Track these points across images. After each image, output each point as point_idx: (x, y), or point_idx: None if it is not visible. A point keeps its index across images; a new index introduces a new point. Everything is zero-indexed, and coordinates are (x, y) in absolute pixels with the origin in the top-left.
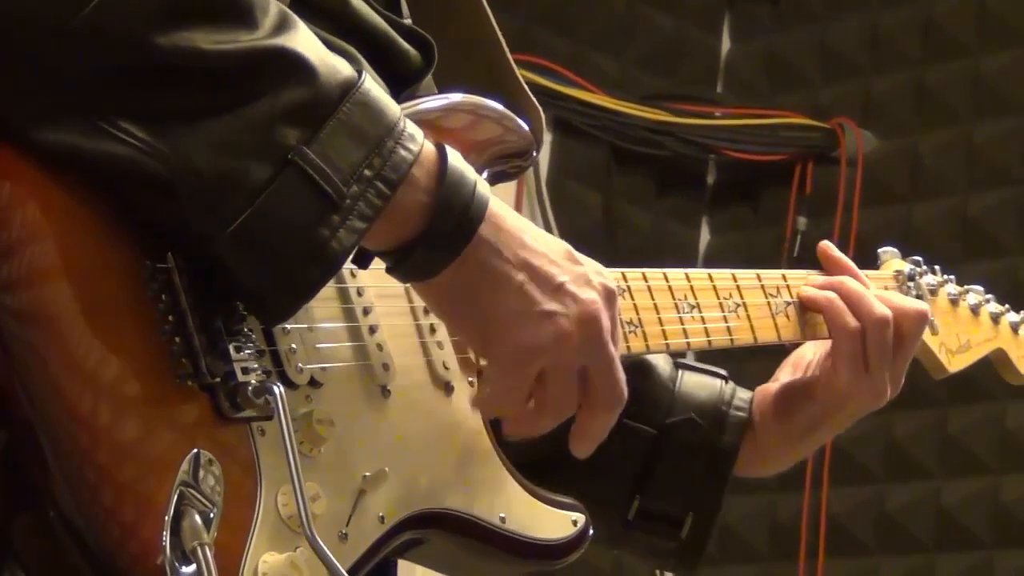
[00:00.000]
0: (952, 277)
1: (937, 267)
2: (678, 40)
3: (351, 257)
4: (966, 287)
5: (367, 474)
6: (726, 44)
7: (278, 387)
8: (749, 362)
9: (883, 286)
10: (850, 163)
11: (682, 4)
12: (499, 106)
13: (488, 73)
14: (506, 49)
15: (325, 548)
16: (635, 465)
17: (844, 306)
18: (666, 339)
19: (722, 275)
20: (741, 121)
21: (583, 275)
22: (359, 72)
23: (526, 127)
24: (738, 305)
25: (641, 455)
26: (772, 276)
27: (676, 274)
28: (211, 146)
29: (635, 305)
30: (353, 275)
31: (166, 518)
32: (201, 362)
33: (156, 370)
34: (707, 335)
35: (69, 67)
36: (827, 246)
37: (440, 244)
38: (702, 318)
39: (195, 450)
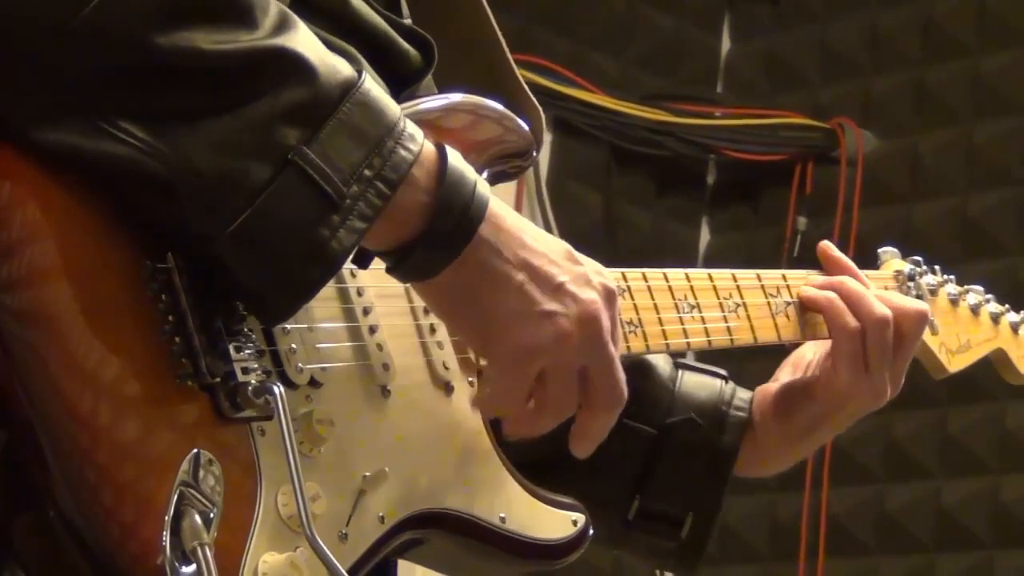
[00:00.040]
0: (952, 277)
1: (937, 267)
2: (678, 40)
3: (351, 257)
4: (966, 287)
5: (367, 474)
6: (726, 44)
7: (278, 387)
8: (749, 362)
9: (883, 286)
10: (850, 163)
11: (682, 4)
12: (499, 106)
13: (488, 73)
14: (506, 49)
15: (325, 548)
16: (635, 465)
17: (844, 306)
18: (666, 339)
19: (722, 275)
20: (741, 121)
21: (583, 275)
22: (359, 72)
23: (526, 127)
24: (738, 305)
25: (641, 455)
26: (772, 276)
27: (676, 274)
28: (211, 146)
29: (635, 305)
30: (353, 275)
31: (166, 518)
32: (201, 362)
33: (156, 370)
34: (707, 335)
35: (69, 67)
36: (827, 246)
37: (440, 244)
38: (702, 318)
39: (195, 450)
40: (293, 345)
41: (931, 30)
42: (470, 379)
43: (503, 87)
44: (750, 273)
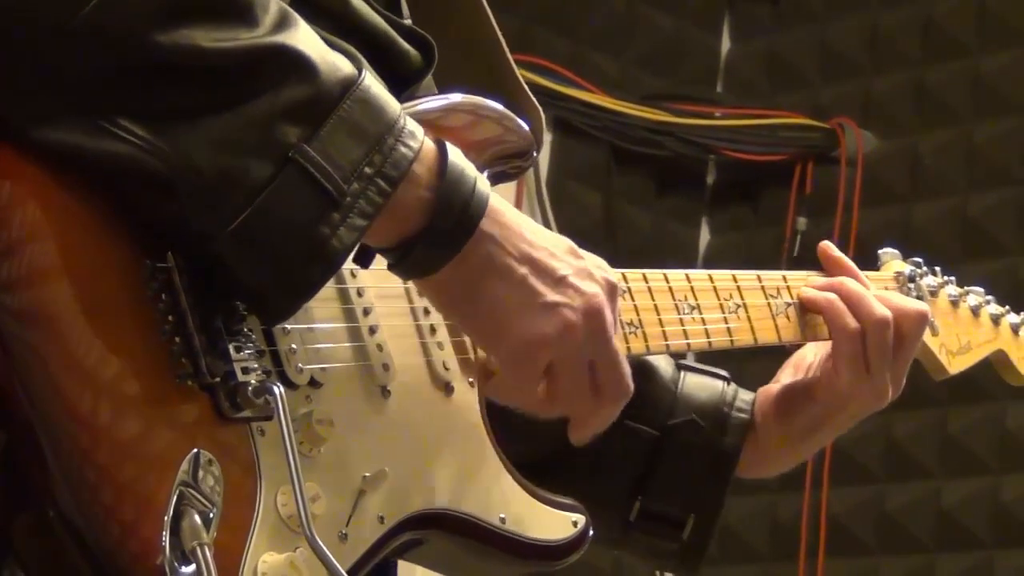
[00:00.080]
0: (952, 279)
1: (938, 268)
2: (678, 40)
3: (352, 255)
4: (966, 288)
5: (367, 474)
6: (726, 44)
7: (278, 387)
8: (750, 363)
9: (883, 287)
10: (850, 163)
11: (682, 4)
12: (499, 106)
13: (488, 73)
14: (506, 49)
15: (324, 548)
16: (636, 466)
17: (844, 307)
18: (666, 340)
19: (723, 276)
20: (741, 121)
21: (585, 269)
22: (359, 69)
23: (526, 127)
24: (739, 306)
25: (642, 456)
26: (773, 277)
27: (677, 275)
28: (211, 144)
29: (635, 306)
30: (353, 275)
31: (165, 518)
32: (201, 362)
33: (156, 370)
34: (707, 336)
35: (69, 66)
36: (827, 246)
37: (441, 240)
38: (702, 319)
39: (195, 450)
40: (293, 345)
41: (931, 30)
42: (470, 380)
43: (503, 87)
44: (751, 274)
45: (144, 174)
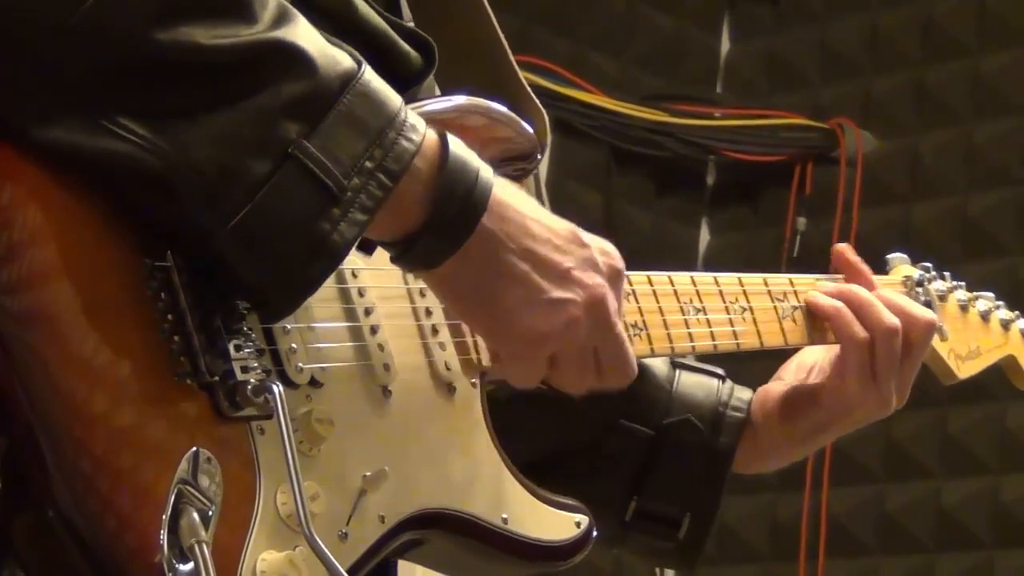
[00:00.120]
0: (963, 284)
1: (947, 273)
2: (678, 40)
3: (356, 245)
4: (976, 293)
5: (367, 474)
6: (726, 44)
7: (277, 386)
8: (750, 362)
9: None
10: (850, 163)
11: (682, 4)
12: (503, 108)
13: (491, 75)
14: (509, 52)
15: (323, 547)
16: (632, 466)
17: (852, 316)
18: (671, 343)
19: (728, 279)
20: (741, 122)
21: (589, 259)
22: (359, 63)
23: (530, 129)
24: (744, 309)
25: (638, 456)
26: (779, 280)
27: (682, 278)
28: (211, 141)
29: (639, 308)
30: (355, 276)
31: (164, 516)
32: (200, 361)
33: (155, 368)
34: (712, 339)
35: (69, 65)
36: (844, 248)
37: (443, 233)
38: (708, 321)
39: (194, 448)
40: (293, 344)
41: (931, 30)
42: (472, 380)
43: (506, 89)
44: (757, 277)
45: (143, 173)
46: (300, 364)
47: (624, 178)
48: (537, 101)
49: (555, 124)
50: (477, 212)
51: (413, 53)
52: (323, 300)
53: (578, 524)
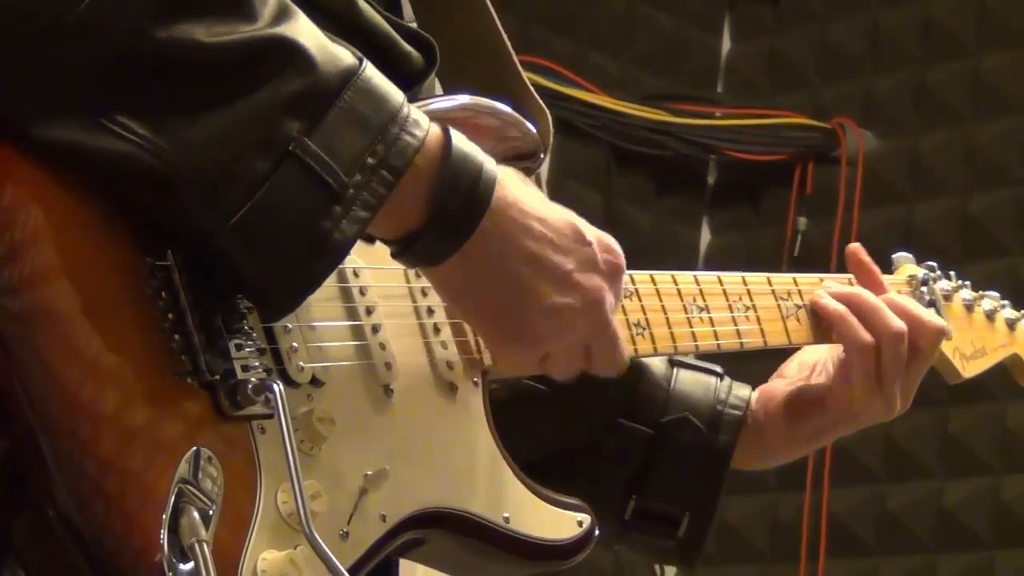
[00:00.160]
0: (967, 283)
1: (952, 273)
2: (678, 40)
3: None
4: (981, 292)
5: (368, 473)
6: (726, 44)
7: (278, 385)
8: (750, 362)
9: (896, 291)
10: (850, 163)
11: (682, 4)
12: (507, 108)
13: (494, 75)
14: (512, 52)
15: (324, 546)
16: (631, 465)
17: (856, 321)
18: (674, 342)
19: (732, 278)
20: (741, 121)
21: (590, 259)
22: (360, 60)
23: (533, 129)
24: (748, 308)
25: (637, 455)
26: (783, 279)
27: (685, 277)
28: (211, 140)
29: (643, 307)
30: (356, 275)
31: (164, 516)
32: (200, 360)
33: (156, 367)
34: (716, 338)
35: (68, 63)
36: (858, 249)
37: (445, 231)
38: (711, 320)
39: (195, 447)
40: (294, 343)
41: (931, 30)
42: (475, 379)
43: (509, 89)
44: (760, 276)
45: (143, 172)
46: (301, 363)
47: (625, 178)
48: (540, 101)
49: (556, 124)
50: (481, 207)
51: (414, 53)
52: (324, 299)
53: (580, 523)
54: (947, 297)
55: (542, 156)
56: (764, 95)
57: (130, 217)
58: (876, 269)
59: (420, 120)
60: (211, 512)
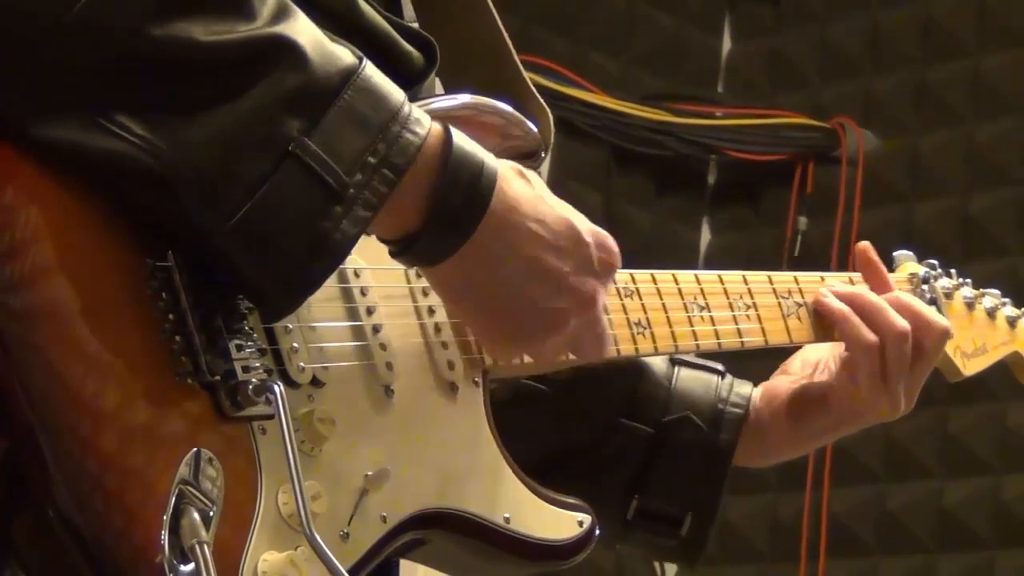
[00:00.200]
0: (968, 280)
1: (953, 271)
2: (679, 40)
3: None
4: (982, 290)
5: (369, 473)
6: (727, 44)
7: (278, 386)
8: (750, 361)
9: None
10: (851, 163)
11: (683, 4)
12: (508, 107)
13: (495, 75)
14: (513, 51)
15: (324, 547)
16: (633, 465)
17: (859, 320)
18: (675, 341)
19: (733, 276)
20: (742, 121)
21: (587, 260)
22: (360, 59)
23: (534, 129)
24: (749, 306)
25: (638, 455)
26: (784, 278)
27: (685, 276)
28: (209, 140)
29: (644, 306)
30: (357, 275)
31: (165, 517)
32: (201, 360)
33: (157, 368)
34: (717, 337)
35: (67, 62)
36: (867, 247)
37: (446, 229)
38: (712, 318)
39: (195, 448)
40: (295, 344)
41: (931, 30)
42: (475, 379)
43: (510, 88)
44: (761, 275)
45: (142, 172)
46: (302, 364)
47: (625, 178)
48: (542, 101)
49: (556, 123)
50: (481, 205)
51: (415, 52)
52: (325, 299)
53: (580, 523)
54: (948, 295)
55: (543, 155)
56: (764, 95)
57: (130, 217)
58: (883, 269)
59: (421, 118)
60: (212, 513)
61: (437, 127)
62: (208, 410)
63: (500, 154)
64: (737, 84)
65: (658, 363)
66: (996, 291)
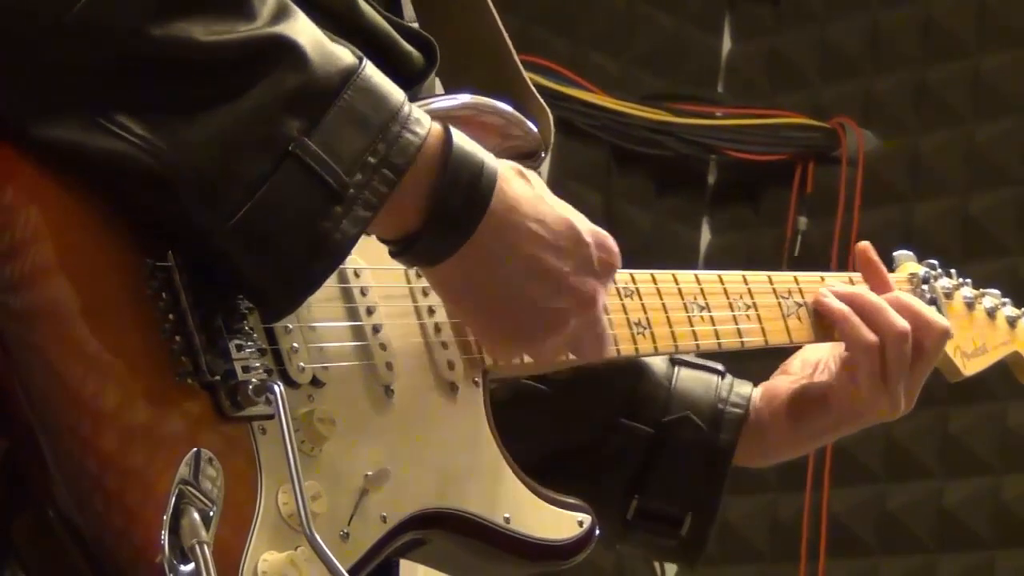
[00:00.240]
0: (968, 280)
1: (953, 271)
2: (679, 40)
3: None
4: (982, 290)
5: (369, 473)
6: (727, 44)
7: (278, 386)
8: (750, 360)
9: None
10: (851, 163)
11: (683, 4)
12: (507, 107)
13: (495, 75)
14: (513, 51)
15: (324, 547)
16: (633, 465)
17: (859, 320)
18: (675, 341)
19: (733, 276)
20: (742, 121)
21: (587, 260)
22: (360, 59)
23: (534, 128)
24: (749, 307)
25: (638, 455)
26: (784, 278)
27: (685, 276)
28: (209, 140)
29: (644, 306)
30: (357, 275)
31: (165, 517)
32: (201, 360)
33: (157, 368)
34: (717, 337)
35: (67, 63)
36: (867, 247)
37: (446, 229)
38: (712, 318)
39: (195, 448)
40: (295, 344)
41: (931, 30)
42: (475, 379)
43: (510, 88)
44: (761, 275)
45: (142, 173)
46: (302, 364)
47: (624, 178)
48: (542, 101)
49: (556, 123)
50: (482, 204)
51: (415, 52)
52: (325, 299)
53: (580, 523)
54: (948, 295)
55: (543, 155)
56: (764, 95)
57: (130, 217)
58: (883, 269)
59: (421, 118)
60: (212, 513)
61: (437, 127)
62: (208, 410)
63: (500, 154)
64: (737, 84)
65: (658, 363)
66: (996, 291)
